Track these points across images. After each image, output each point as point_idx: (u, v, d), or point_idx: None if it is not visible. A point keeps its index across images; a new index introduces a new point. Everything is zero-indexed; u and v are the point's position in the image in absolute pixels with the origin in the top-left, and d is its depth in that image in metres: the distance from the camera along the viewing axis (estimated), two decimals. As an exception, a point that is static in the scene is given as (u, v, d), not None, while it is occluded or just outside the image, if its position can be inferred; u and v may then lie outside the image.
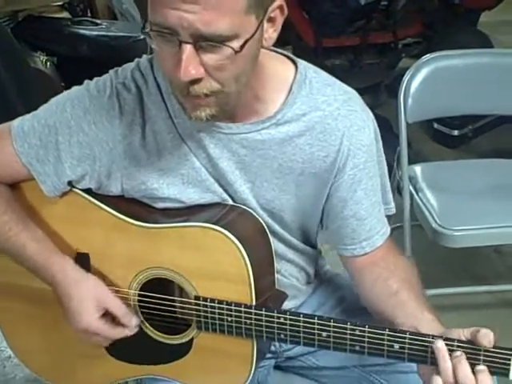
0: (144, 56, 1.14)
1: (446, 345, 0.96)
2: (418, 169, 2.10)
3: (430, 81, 1.98)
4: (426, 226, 1.90)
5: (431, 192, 1.99)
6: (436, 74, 1.99)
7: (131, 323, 1.13)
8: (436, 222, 1.87)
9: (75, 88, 1.14)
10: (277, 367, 1.35)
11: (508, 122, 3.03)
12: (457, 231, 1.84)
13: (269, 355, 1.30)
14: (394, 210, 1.24)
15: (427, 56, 2.00)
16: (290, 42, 3.24)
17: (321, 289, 1.34)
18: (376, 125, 1.16)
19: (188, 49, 0.91)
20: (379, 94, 3.21)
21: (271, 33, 0.99)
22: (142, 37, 2.84)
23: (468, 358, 0.95)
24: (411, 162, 2.08)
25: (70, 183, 1.14)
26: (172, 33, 0.91)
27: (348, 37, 3.17)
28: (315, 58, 3.08)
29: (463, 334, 0.97)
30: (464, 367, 0.95)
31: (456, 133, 3.05)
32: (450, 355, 0.96)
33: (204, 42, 0.91)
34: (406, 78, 1.96)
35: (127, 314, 1.13)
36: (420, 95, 1.97)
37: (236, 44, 0.92)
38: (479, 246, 2.07)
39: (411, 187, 2.01)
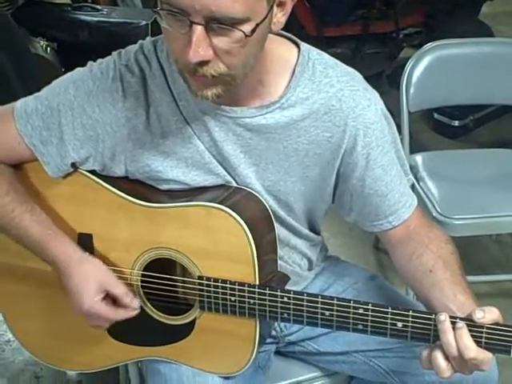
0: (147, 38, 1.14)
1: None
2: (419, 158, 2.09)
3: (432, 70, 1.98)
4: (426, 214, 1.90)
5: (432, 181, 1.99)
6: (438, 63, 1.99)
7: (132, 304, 1.13)
8: (437, 210, 1.87)
9: (78, 69, 1.14)
10: (278, 352, 1.36)
11: (509, 112, 3.03)
12: (457, 220, 1.85)
13: (270, 340, 1.31)
14: (412, 181, 1.24)
15: (429, 45, 2.00)
16: (291, 31, 3.23)
17: (322, 275, 1.35)
18: (381, 101, 1.16)
19: (199, 30, 0.91)
20: (381, 83, 3.20)
21: (280, 17, 0.99)
22: (142, 23, 2.84)
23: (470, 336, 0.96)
24: (412, 152, 2.08)
25: (73, 164, 1.14)
26: (183, 13, 0.90)
27: (349, 26, 3.16)
28: (316, 47, 3.07)
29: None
30: (465, 339, 0.96)
31: (457, 123, 3.05)
32: (453, 328, 0.97)
33: (215, 24, 0.90)
34: (408, 67, 1.96)
35: (128, 295, 1.13)
36: (422, 84, 1.97)
37: (247, 28, 0.92)
38: (479, 234, 2.07)
39: (412, 176, 2.01)
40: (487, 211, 1.87)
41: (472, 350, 0.96)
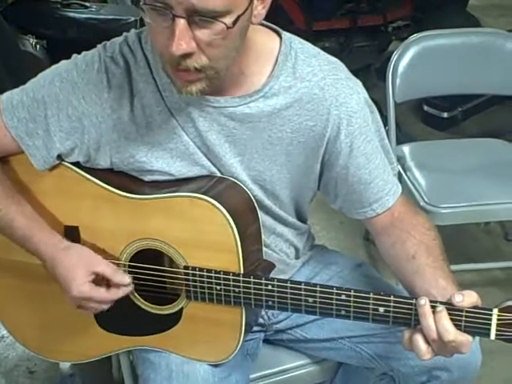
0: (132, 30, 1.15)
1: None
2: (406, 149, 2.11)
3: (417, 60, 1.99)
4: (412, 203, 1.92)
5: (419, 171, 2.01)
6: (424, 53, 2.00)
7: (124, 281, 1.13)
8: (423, 199, 1.89)
9: (63, 62, 1.15)
10: (266, 341, 1.37)
11: (498, 103, 3.05)
12: (444, 209, 1.86)
13: (258, 328, 1.32)
14: (397, 169, 1.25)
15: (415, 35, 2.01)
16: (280, 25, 3.24)
17: (310, 264, 1.36)
18: (364, 90, 1.17)
19: (181, 23, 0.92)
20: (369, 76, 3.22)
21: (260, 9, 1.00)
22: (131, 19, 2.85)
23: (450, 319, 0.98)
24: (400, 144, 2.10)
25: (59, 157, 1.15)
26: (166, 7, 0.92)
27: (338, 19, 3.18)
28: (305, 40, 3.08)
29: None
30: (444, 322, 0.98)
31: (445, 115, 3.07)
32: (433, 312, 0.98)
33: (197, 17, 0.92)
34: (394, 58, 1.98)
35: (118, 273, 1.13)
36: (408, 75, 1.98)
37: (228, 20, 0.93)
38: (467, 224, 2.09)
39: (399, 167, 2.03)
40: (474, 200, 1.89)
41: (451, 333, 0.97)
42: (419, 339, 1.00)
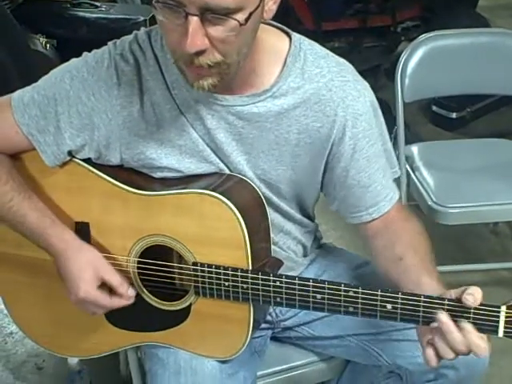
0: (142, 28, 1.16)
1: (436, 303, 0.99)
2: (414, 149, 2.11)
3: (426, 60, 1.99)
4: (422, 203, 1.92)
5: (427, 171, 2.01)
6: (433, 53, 2.00)
7: (127, 293, 1.15)
8: (432, 199, 1.89)
9: (74, 60, 1.16)
10: (274, 338, 1.38)
11: (506, 104, 3.05)
12: (452, 208, 1.86)
13: (265, 325, 1.33)
14: (399, 173, 1.26)
15: (424, 35, 2.02)
16: (289, 25, 3.25)
17: (317, 261, 1.37)
18: (372, 93, 1.17)
19: (194, 21, 0.93)
20: (378, 77, 3.22)
21: (271, 5, 1.01)
22: (140, 19, 2.86)
23: (458, 317, 0.98)
24: (409, 144, 2.10)
25: (70, 153, 1.16)
26: (179, 5, 0.93)
27: (347, 20, 3.19)
28: (314, 41, 3.09)
29: (454, 293, 0.99)
30: (474, 339, 0.96)
31: (454, 115, 3.07)
32: (457, 326, 0.97)
33: (210, 14, 0.93)
34: (403, 58, 1.98)
35: (123, 285, 1.15)
36: (417, 75, 1.99)
37: (241, 16, 0.94)
38: (476, 224, 2.08)
39: (408, 166, 2.03)
40: (482, 200, 1.89)
41: (483, 348, 0.96)
42: (431, 353, 0.99)
